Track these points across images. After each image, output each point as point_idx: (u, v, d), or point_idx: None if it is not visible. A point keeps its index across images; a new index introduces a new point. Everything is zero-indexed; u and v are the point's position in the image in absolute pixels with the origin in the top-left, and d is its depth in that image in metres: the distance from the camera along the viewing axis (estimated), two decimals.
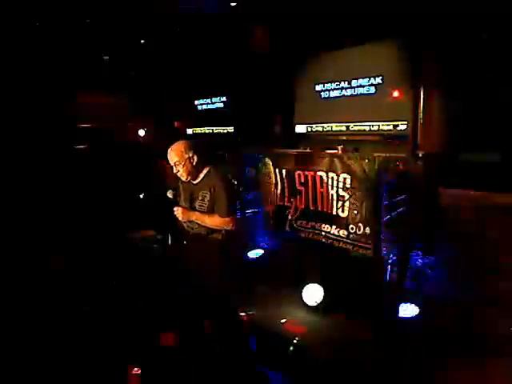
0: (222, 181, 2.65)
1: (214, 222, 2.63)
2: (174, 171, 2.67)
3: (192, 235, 2.76)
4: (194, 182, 2.71)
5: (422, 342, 2.93)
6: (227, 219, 2.61)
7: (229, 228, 2.66)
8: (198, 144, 2.73)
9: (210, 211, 2.64)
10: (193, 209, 2.70)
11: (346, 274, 3.51)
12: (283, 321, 3.37)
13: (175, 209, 2.68)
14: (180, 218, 2.70)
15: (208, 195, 2.63)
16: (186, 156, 2.61)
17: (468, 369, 2.67)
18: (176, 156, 2.62)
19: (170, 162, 2.66)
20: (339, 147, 4.07)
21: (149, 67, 8.09)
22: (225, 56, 6.30)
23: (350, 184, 3.52)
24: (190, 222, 2.71)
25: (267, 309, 3.57)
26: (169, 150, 2.65)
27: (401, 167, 3.16)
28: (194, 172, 2.67)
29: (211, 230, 2.68)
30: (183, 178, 2.69)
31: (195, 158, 2.64)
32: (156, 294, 3.60)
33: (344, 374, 2.71)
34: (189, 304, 2.78)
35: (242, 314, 3.08)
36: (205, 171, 2.70)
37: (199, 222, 2.66)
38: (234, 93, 6.41)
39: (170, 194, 2.74)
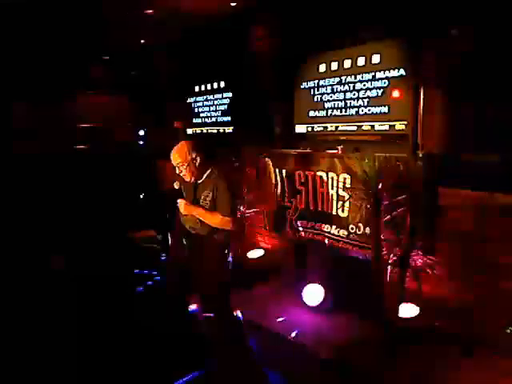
0: (225, 181, 2.66)
1: (215, 220, 2.64)
2: (178, 172, 2.66)
3: (194, 235, 2.77)
4: (197, 182, 2.71)
5: (422, 341, 2.93)
6: (228, 219, 2.62)
7: (228, 228, 2.66)
8: (200, 144, 2.73)
9: (212, 210, 2.65)
10: None
11: (346, 273, 3.52)
12: (281, 319, 3.39)
13: (179, 201, 2.68)
14: (182, 211, 2.70)
15: (210, 195, 2.64)
16: (190, 157, 2.61)
17: (468, 369, 2.67)
18: (179, 157, 2.61)
19: (174, 163, 2.65)
20: (339, 147, 4.06)
21: (149, 67, 8.09)
22: (224, 56, 6.30)
23: (350, 184, 3.53)
24: (193, 221, 2.71)
25: (267, 309, 3.57)
26: (172, 152, 2.64)
27: (401, 167, 3.16)
28: (197, 173, 2.67)
29: (213, 231, 2.68)
30: (187, 179, 2.68)
31: (198, 158, 2.64)
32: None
33: (344, 374, 2.72)
34: None
35: (240, 313, 3.08)
36: (208, 171, 2.70)
37: (201, 219, 2.66)
38: (234, 93, 6.40)
39: (176, 185, 2.72)
